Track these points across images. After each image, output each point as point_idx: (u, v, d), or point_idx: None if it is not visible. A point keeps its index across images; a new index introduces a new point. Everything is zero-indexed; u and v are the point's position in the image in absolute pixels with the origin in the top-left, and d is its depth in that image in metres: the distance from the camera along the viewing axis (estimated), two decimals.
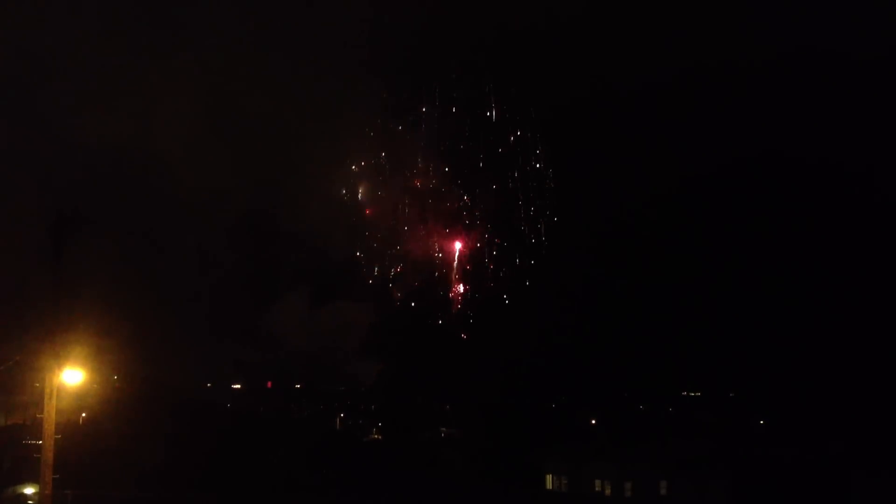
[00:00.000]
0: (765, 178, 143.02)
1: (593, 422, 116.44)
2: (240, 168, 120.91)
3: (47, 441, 34.01)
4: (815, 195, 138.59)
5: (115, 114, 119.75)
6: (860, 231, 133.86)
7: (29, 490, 57.31)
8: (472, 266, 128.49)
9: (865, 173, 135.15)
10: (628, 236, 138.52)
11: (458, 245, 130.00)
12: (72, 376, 35.33)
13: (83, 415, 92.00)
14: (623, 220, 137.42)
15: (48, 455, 34.00)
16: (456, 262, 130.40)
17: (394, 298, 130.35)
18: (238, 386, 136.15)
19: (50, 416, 34.00)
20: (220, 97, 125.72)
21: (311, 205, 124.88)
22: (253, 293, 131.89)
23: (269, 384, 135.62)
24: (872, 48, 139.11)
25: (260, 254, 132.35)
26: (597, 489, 74.77)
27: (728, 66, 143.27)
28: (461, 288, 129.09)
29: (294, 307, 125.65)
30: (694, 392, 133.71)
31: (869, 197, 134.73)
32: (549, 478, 79.16)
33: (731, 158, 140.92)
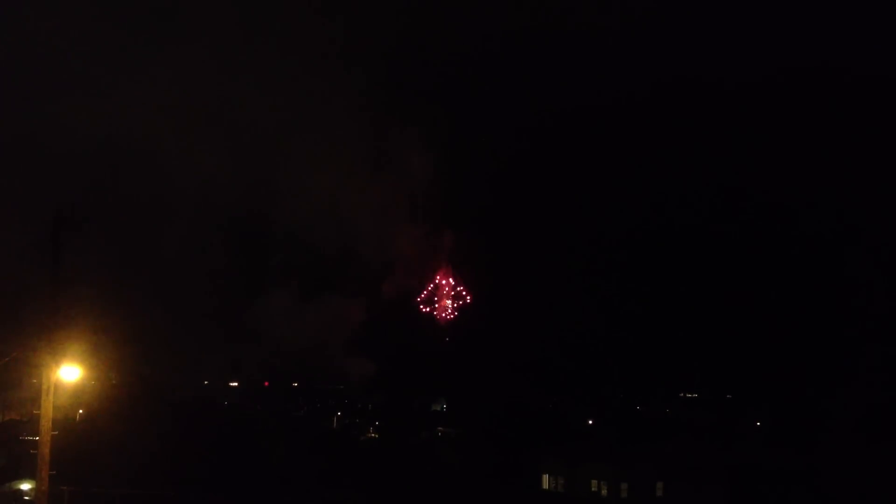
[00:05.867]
0: (759, 181, 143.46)
1: (590, 422, 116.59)
2: (232, 163, 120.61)
3: (44, 437, 33.97)
4: (811, 197, 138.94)
5: (113, 111, 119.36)
6: (857, 234, 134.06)
7: (25, 486, 57.38)
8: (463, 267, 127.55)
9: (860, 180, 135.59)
10: (625, 237, 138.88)
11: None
12: (69, 373, 35.29)
13: (80, 411, 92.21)
14: (619, 221, 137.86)
15: (45, 451, 33.97)
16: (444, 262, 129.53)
17: (385, 297, 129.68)
18: (235, 384, 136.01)
19: (47, 412, 33.96)
20: (212, 92, 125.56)
21: (302, 200, 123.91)
22: (244, 290, 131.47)
23: (266, 383, 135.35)
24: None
25: (250, 250, 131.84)
26: (593, 490, 74.82)
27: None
28: (449, 303, 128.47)
29: (282, 302, 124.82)
30: (691, 394, 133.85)
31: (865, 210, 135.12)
32: (545, 478, 79.18)
33: (729, 159, 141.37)
